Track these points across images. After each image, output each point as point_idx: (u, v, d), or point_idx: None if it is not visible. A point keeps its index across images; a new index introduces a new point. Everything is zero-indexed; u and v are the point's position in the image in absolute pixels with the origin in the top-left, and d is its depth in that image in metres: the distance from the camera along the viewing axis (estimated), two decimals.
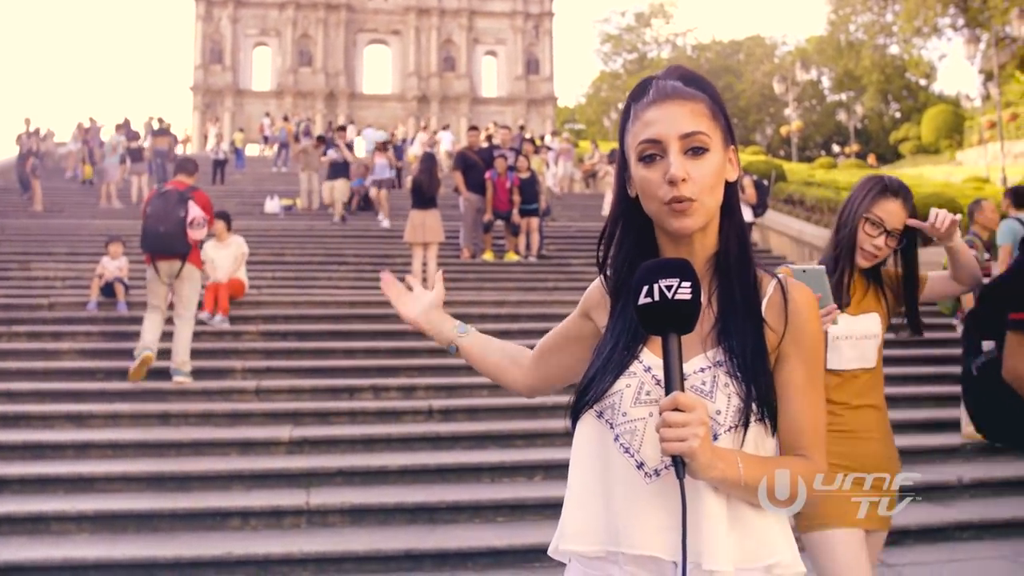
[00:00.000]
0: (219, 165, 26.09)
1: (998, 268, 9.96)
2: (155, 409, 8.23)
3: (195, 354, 9.46)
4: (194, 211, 8.68)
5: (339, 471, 7.04)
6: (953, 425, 7.96)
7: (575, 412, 1.70)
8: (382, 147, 20.58)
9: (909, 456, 7.55)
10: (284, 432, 7.70)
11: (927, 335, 10.66)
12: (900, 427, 8.44)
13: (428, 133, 30.64)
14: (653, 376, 1.62)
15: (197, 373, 9.06)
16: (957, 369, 8.81)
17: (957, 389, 7.95)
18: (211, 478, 6.94)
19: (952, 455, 7.68)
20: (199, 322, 9.90)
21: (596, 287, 1.82)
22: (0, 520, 6.20)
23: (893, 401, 9.35)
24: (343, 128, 20.73)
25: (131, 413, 8.15)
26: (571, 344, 1.89)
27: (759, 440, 1.61)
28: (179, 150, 39.71)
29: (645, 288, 1.51)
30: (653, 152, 1.61)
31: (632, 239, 1.72)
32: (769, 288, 1.68)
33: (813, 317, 1.67)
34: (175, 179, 9.31)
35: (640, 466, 1.59)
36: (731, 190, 1.67)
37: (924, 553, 6.00)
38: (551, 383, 2.00)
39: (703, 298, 1.60)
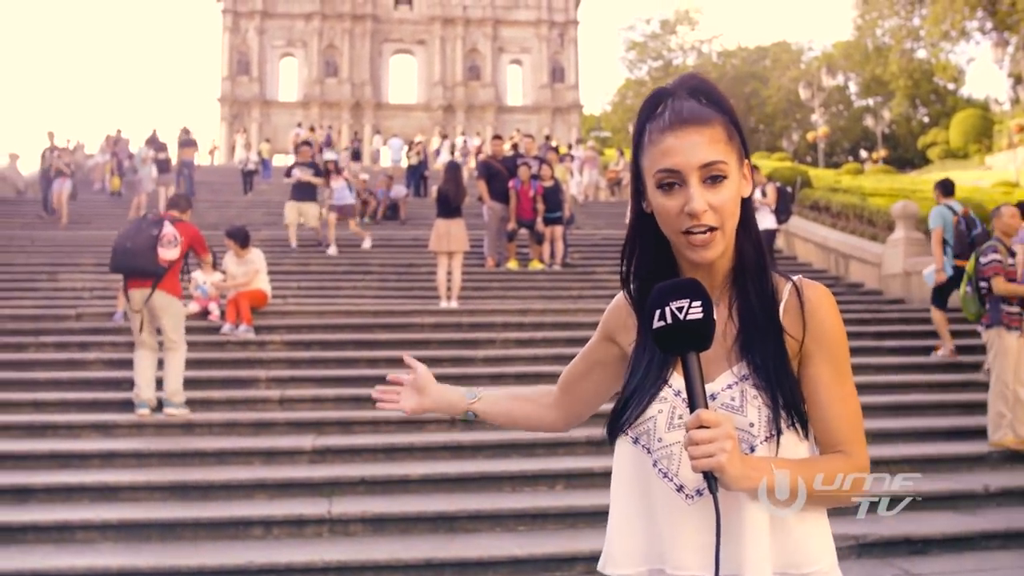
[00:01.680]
0: (248, 176, 26.16)
1: (935, 251, 10.55)
2: (179, 419, 8.28)
3: (220, 364, 9.55)
4: (167, 229, 8.31)
5: (361, 480, 7.06)
6: (979, 433, 7.88)
7: (612, 430, 1.72)
8: (334, 168, 18.00)
9: (934, 464, 7.55)
10: (307, 441, 7.74)
11: (956, 342, 10.61)
12: (926, 435, 8.46)
13: (450, 141, 30.75)
14: (684, 400, 1.62)
15: (222, 382, 9.13)
16: (982, 376, 8.74)
17: (983, 396, 7.93)
18: (234, 487, 6.97)
19: (978, 463, 7.61)
20: (206, 332, 9.97)
21: (617, 307, 1.83)
22: (26, 528, 6.27)
23: (919, 408, 9.32)
24: (307, 144, 18.17)
25: (156, 423, 8.21)
26: (597, 370, 1.90)
27: (792, 446, 1.62)
28: (207, 160, 40.16)
29: (657, 312, 1.53)
30: (672, 181, 1.61)
31: (651, 253, 1.73)
32: (785, 293, 1.69)
33: (831, 313, 1.67)
34: (168, 212, 8.98)
35: (680, 489, 1.62)
36: (746, 205, 1.68)
37: (949, 562, 5.94)
38: (582, 413, 2.00)
39: (723, 313, 1.65)
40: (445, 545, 6.09)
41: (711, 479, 1.48)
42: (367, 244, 16.46)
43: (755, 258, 1.68)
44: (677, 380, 1.64)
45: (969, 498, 6.89)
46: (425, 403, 2.05)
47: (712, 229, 1.59)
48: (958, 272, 9.97)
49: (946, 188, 10.90)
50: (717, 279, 1.67)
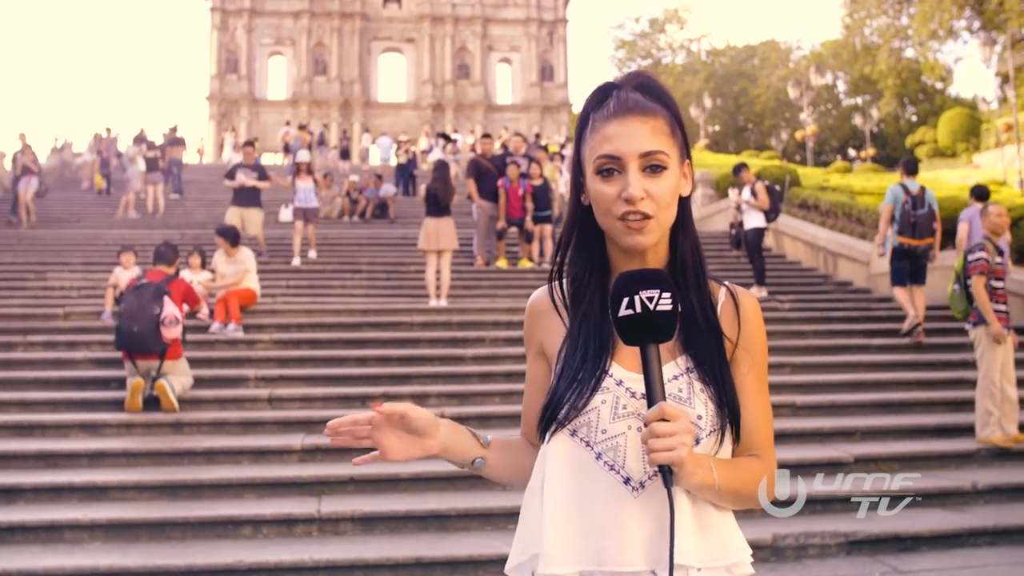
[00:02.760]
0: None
1: (880, 227, 11.43)
2: (168, 418, 8.26)
3: (209, 363, 9.53)
4: (168, 309, 8.37)
5: (351, 479, 7.05)
6: (967, 430, 7.91)
7: (548, 428, 1.66)
8: (306, 169, 15.87)
9: (923, 461, 7.57)
10: (296, 440, 7.72)
11: (941, 340, 10.69)
12: (914, 432, 8.48)
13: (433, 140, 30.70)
14: (627, 389, 1.63)
15: (211, 381, 9.11)
16: (971, 374, 8.78)
17: (971, 394, 7.96)
18: (223, 486, 6.96)
19: (966, 460, 7.64)
20: (195, 331, 10.00)
21: (534, 315, 1.80)
22: (15, 528, 6.25)
23: (907, 406, 9.35)
24: (251, 144, 16.53)
25: (144, 422, 8.19)
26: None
27: (728, 443, 1.65)
28: (195, 159, 40.06)
29: (625, 300, 1.51)
30: (611, 167, 1.62)
31: (590, 247, 1.72)
32: (720, 295, 1.72)
33: (760, 323, 1.72)
34: (155, 268, 9.04)
35: (627, 481, 1.60)
36: (684, 205, 1.69)
37: (938, 559, 5.96)
38: None
39: None
40: (435, 544, 6.09)
41: (667, 473, 1.48)
42: (312, 254, 15.27)
43: (693, 259, 1.69)
44: (617, 370, 1.64)
45: (957, 495, 6.92)
46: (429, 447, 1.75)
47: (647, 216, 1.60)
48: (899, 249, 10.91)
49: (908, 167, 11.44)
50: None
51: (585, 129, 1.68)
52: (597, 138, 1.63)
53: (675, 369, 1.63)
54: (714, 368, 1.63)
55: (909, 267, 10.92)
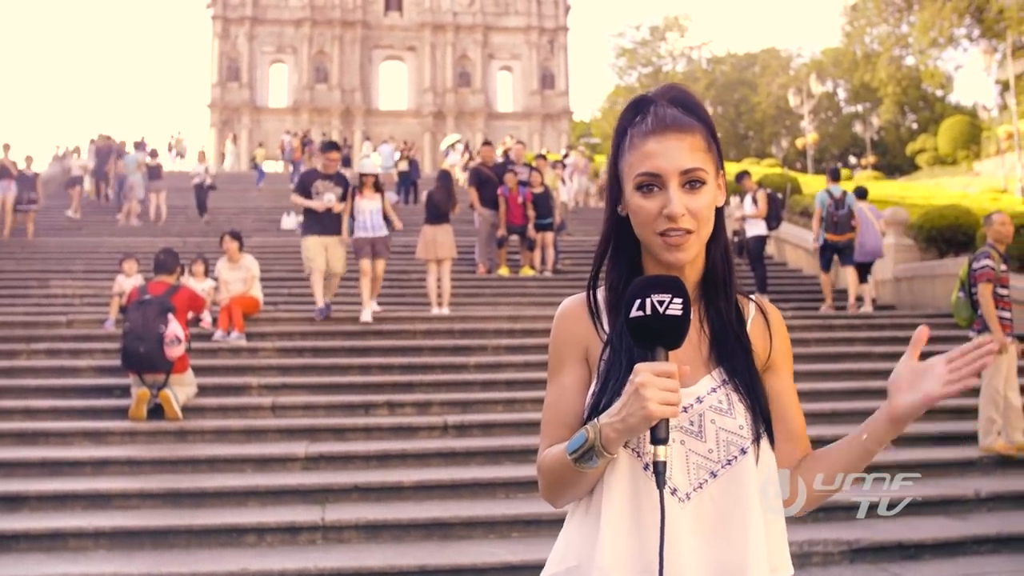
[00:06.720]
0: (201, 192, 22.27)
1: (813, 226, 13.50)
2: (171, 426, 8.26)
3: (212, 371, 9.53)
4: (171, 327, 8.39)
5: (354, 487, 7.05)
6: (970, 438, 7.91)
7: None
8: (372, 184, 11.54)
9: (925, 468, 7.56)
10: (300, 448, 7.73)
11: (944, 347, 10.66)
12: (916, 440, 8.47)
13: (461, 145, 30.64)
14: None
15: (214, 389, 9.11)
16: (974, 381, 8.77)
17: (974, 401, 7.96)
18: (227, 494, 6.96)
19: (969, 468, 7.64)
20: (197, 339, 10.01)
21: (574, 318, 1.76)
22: (19, 536, 6.25)
23: None
24: (335, 147, 11.91)
25: (148, 430, 8.19)
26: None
27: (768, 451, 1.67)
28: (183, 167, 40.05)
29: (637, 302, 1.53)
30: (651, 184, 1.63)
31: (626, 256, 1.74)
32: (751, 309, 1.76)
33: (787, 333, 1.80)
34: (156, 279, 9.02)
35: (674, 492, 1.60)
36: (718, 216, 1.70)
37: (941, 567, 5.97)
38: None
39: (696, 320, 1.67)
40: (439, 552, 6.09)
41: (660, 474, 1.50)
42: (366, 315, 11.34)
43: (724, 270, 1.72)
44: None
45: (960, 503, 6.92)
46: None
47: (688, 232, 1.61)
48: (825, 243, 13.01)
49: (832, 175, 13.70)
50: (687, 287, 1.65)
51: (623, 143, 1.69)
52: (636, 155, 1.64)
53: (712, 382, 1.66)
54: (747, 380, 1.67)
55: (837, 257, 13.10)
